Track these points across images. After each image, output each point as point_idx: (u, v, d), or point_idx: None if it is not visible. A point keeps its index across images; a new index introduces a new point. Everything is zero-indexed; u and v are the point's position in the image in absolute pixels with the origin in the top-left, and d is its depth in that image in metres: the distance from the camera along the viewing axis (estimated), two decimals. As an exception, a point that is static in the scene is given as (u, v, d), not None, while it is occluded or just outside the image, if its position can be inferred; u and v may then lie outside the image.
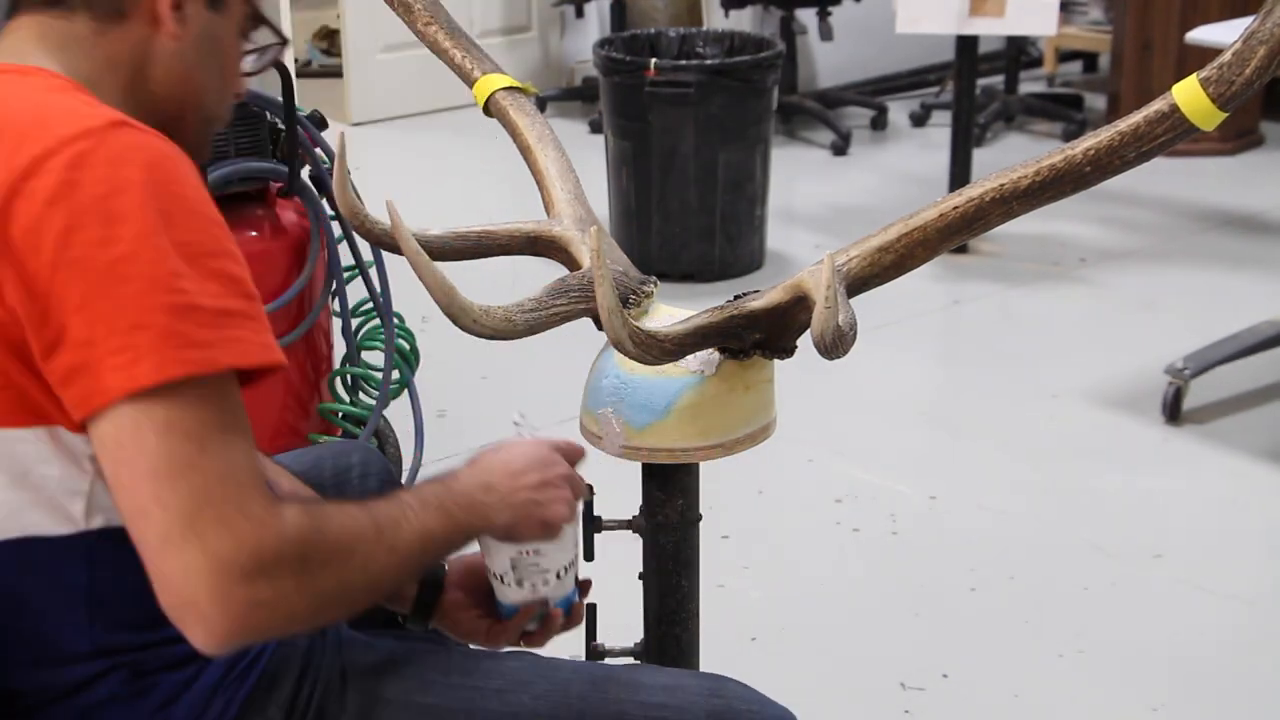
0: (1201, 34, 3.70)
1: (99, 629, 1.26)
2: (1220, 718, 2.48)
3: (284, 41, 1.43)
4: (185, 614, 1.13)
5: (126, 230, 1.14)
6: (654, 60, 4.23)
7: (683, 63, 4.33)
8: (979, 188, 1.44)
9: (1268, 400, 3.56)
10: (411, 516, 1.28)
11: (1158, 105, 1.39)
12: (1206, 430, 3.41)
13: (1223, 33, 3.56)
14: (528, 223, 1.67)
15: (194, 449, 1.13)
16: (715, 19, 5.90)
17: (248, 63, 1.42)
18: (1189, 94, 1.37)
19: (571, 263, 1.63)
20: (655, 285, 1.62)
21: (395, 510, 1.28)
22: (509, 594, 1.49)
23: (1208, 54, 1.63)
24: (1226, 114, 1.37)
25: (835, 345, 1.34)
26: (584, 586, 1.56)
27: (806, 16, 5.82)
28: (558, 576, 1.49)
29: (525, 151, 1.76)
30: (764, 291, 1.51)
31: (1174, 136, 1.38)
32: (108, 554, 1.24)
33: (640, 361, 1.43)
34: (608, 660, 1.69)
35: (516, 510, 1.40)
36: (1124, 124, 1.40)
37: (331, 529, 1.21)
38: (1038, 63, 6.52)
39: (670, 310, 1.59)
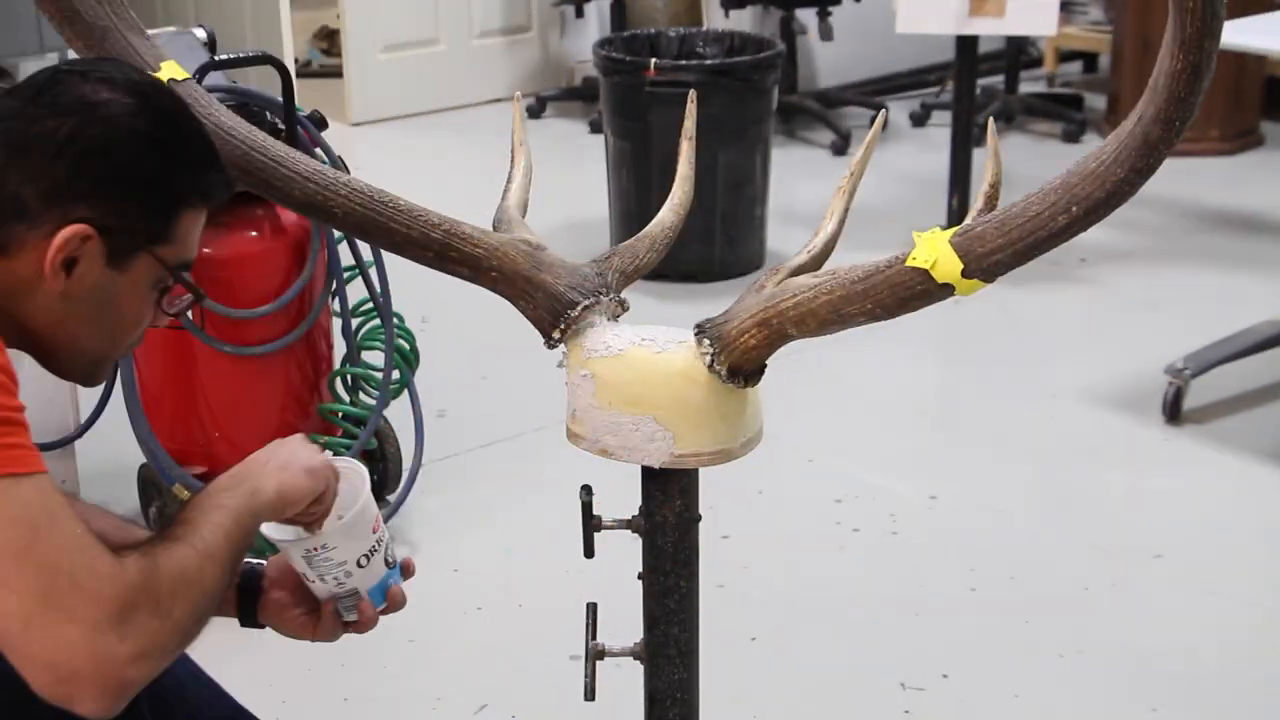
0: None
1: None
2: (1220, 718, 2.48)
3: (199, 298, 1.41)
4: (70, 688, 1.16)
5: None
6: (654, 60, 4.23)
7: (683, 63, 4.33)
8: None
9: (1268, 400, 3.56)
10: (203, 523, 1.32)
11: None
12: (1206, 430, 3.41)
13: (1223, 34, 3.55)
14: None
15: (26, 531, 1.17)
16: (715, 19, 5.90)
17: (161, 311, 1.40)
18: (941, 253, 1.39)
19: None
20: (624, 308, 1.61)
21: (189, 526, 1.32)
22: (317, 590, 1.52)
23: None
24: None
25: None
26: (406, 566, 1.57)
27: (806, 16, 5.82)
28: (359, 565, 1.50)
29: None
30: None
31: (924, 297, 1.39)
32: None
33: None
34: (608, 659, 1.69)
35: (278, 474, 1.40)
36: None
37: (164, 561, 1.26)
38: (1038, 63, 6.52)
39: (635, 332, 1.57)
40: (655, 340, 1.55)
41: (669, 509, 1.61)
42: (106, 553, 1.21)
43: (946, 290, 1.38)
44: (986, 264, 1.37)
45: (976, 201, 1.47)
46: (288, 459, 1.42)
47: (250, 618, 1.56)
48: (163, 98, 1.38)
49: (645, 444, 1.55)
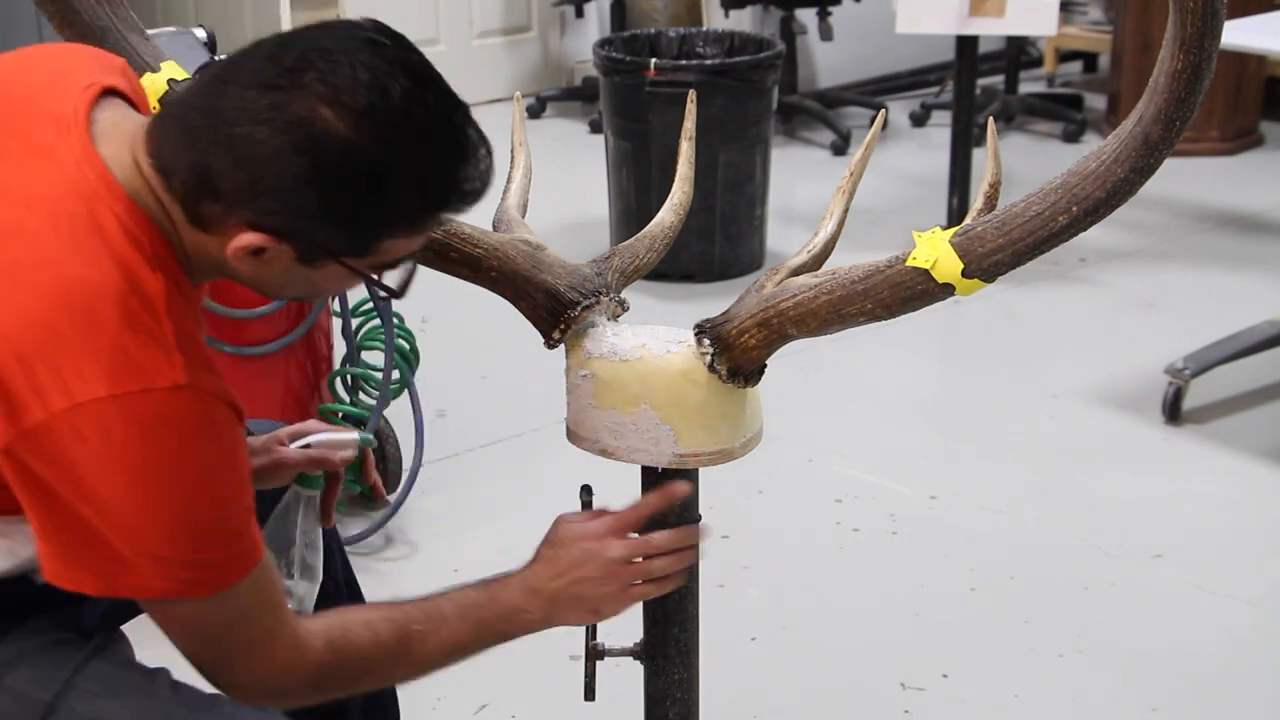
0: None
1: None
2: (1220, 718, 2.48)
3: (393, 295, 1.35)
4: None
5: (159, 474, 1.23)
6: (654, 60, 4.23)
7: (683, 63, 4.33)
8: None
9: (1268, 400, 3.56)
10: (444, 629, 1.42)
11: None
12: (1206, 430, 3.41)
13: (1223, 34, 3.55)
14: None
15: (218, 626, 1.33)
16: (715, 19, 5.90)
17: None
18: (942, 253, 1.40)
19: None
20: (624, 308, 1.61)
21: (428, 622, 1.42)
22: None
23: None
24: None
25: None
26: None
27: (806, 16, 5.82)
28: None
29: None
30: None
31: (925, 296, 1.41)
32: None
33: None
34: (608, 659, 1.69)
35: (560, 607, 1.51)
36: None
37: (351, 656, 1.38)
38: (1038, 63, 6.52)
39: (635, 332, 1.57)
40: (655, 340, 1.55)
41: (669, 509, 1.61)
42: (289, 638, 1.36)
43: (947, 290, 1.38)
44: (986, 264, 1.37)
45: (976, 201, 1.47)
46: (575, 600, 1.52)
47: None
48: (390, 114, 1.22)
49: (646, 444, 1.55)
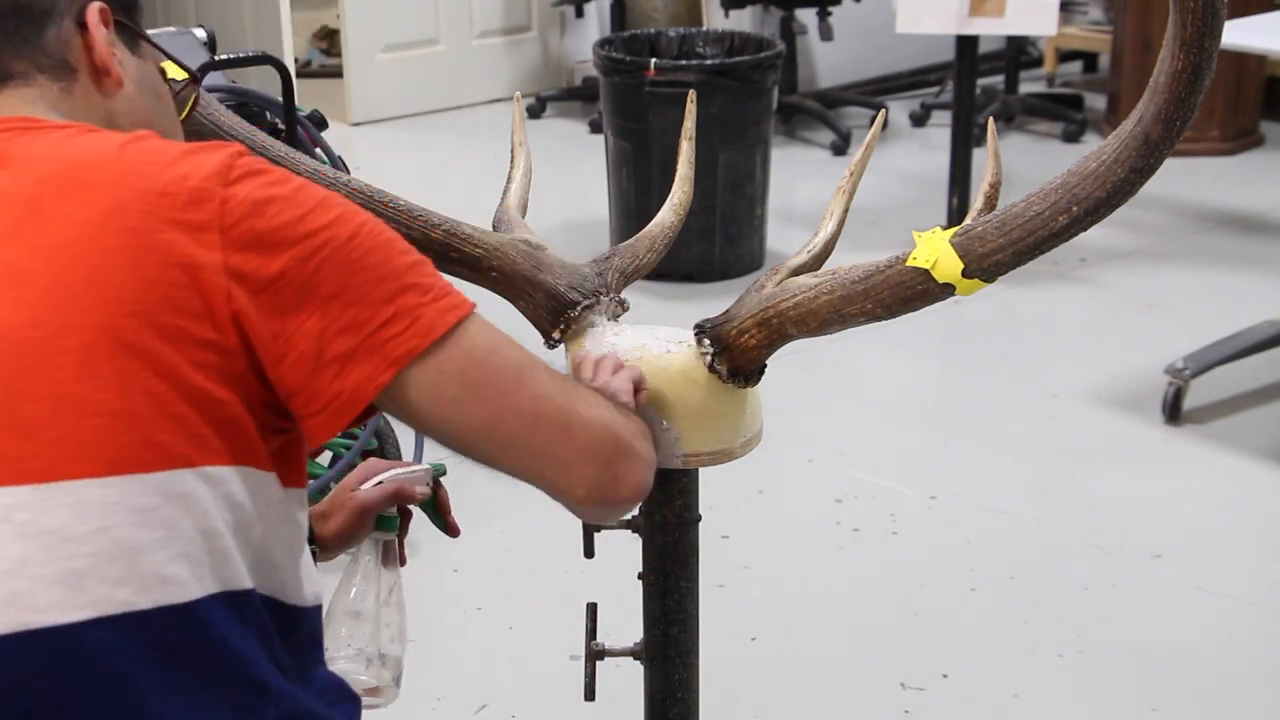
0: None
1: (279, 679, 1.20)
2: (1220, 718, 2.48)
3: (195, 79, 1.38)
4: (616, 470, 1.23)
5: (342, 209, 1.17)
6: (654, 60, 4.23)
7: (683, 63, 4.33)
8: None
9: (1268, 400, 3.56)
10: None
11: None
12: (1206, 430, 3.41)
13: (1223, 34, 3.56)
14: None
15: (518, 351, 1.20)
16: (715, 19, 5.90)
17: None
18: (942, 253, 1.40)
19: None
20: (624, 308, 1.61)
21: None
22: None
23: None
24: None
25: None
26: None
27: (806, 16, 5.82)
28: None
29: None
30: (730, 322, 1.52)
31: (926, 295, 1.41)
32: (272, 621, 1.20)
33: None
34: (608, 659, 1.69)
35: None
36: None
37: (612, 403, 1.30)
38: (1038, 63, 6.52)
39: (635, 331, 1.57)
40: (655, 340, 1.55)
41: (669, 509, 1.61)
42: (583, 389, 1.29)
43: (947, 290, 1.38)
44: (987, 264, 1.37)
45: (976, 201, 1.47)
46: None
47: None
48: None
49: None
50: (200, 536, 1.13)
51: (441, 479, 1.62)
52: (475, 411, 1.18)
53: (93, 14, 1.24)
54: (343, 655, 1.49)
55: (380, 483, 1.57)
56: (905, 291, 1.41)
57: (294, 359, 1.14)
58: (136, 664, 1.10)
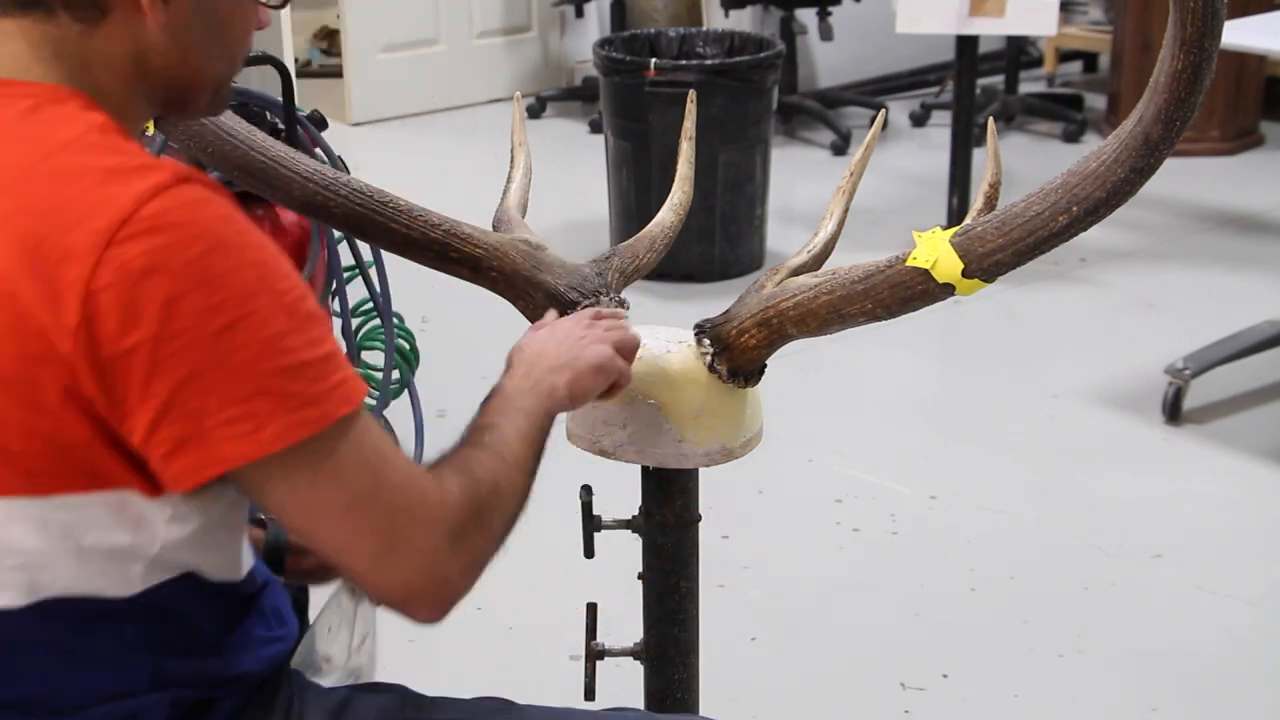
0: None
1: (161, 663, 1.27)
2: (1220, 718, 2.48)
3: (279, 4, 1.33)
4: (411, 606, 1.24)
5: (230, 294, 1.12)
6: (654, 60, 4.23)
7: (683, 63, 4.33)
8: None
9: (1268, 400, 3.56)
10: (507, 428, 1.35)
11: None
12: (1206, 430, 3.41)
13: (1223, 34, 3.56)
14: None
15: (368, 476, 1.19)
16: (715, 19, 5.90)
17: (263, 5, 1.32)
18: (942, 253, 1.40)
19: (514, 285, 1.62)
20: (625, 308, 1.61)
21: (494, 432, 1.35)
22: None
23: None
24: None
25: None
26: None
27: (806, 16, 5.82)
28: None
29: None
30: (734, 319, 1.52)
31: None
32: (165, 603, 1.26)
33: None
34: (607, 659, 1.69)
35: (568, 373, 1.42)
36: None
37: (481, 475, 1.29)
38: (1038, 63, 6.52)
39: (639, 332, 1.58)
40: (655, 340, 1.55)
41: (669, 509, 1.61)
42: (430, 479, 1.25)
43: (947, 290, 1.39)
44: (987, 264, 1.37)
45: (976, 201, 1.47)
46: (570, 356, 1.44)
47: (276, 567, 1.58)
48: None
49: (645, 444, 1.55)
50: (54, 553, 1.19)
51: None
52: (293, 521, 1.20)
53: None
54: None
55: None
56: (905, 291, 1.41)
57: (131, 425, 1.13)
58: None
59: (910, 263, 1.40)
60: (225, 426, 1.12)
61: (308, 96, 4.31)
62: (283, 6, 1.34)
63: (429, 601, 1.24)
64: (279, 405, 1.13)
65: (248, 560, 1.35)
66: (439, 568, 1.23)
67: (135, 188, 1.11)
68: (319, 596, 1.54)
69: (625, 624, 1.69)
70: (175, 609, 1.26)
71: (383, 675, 1.63)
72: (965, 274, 1.38)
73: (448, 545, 1.23)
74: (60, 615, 1.21)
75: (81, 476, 1.16)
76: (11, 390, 1.13)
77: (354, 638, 1.57)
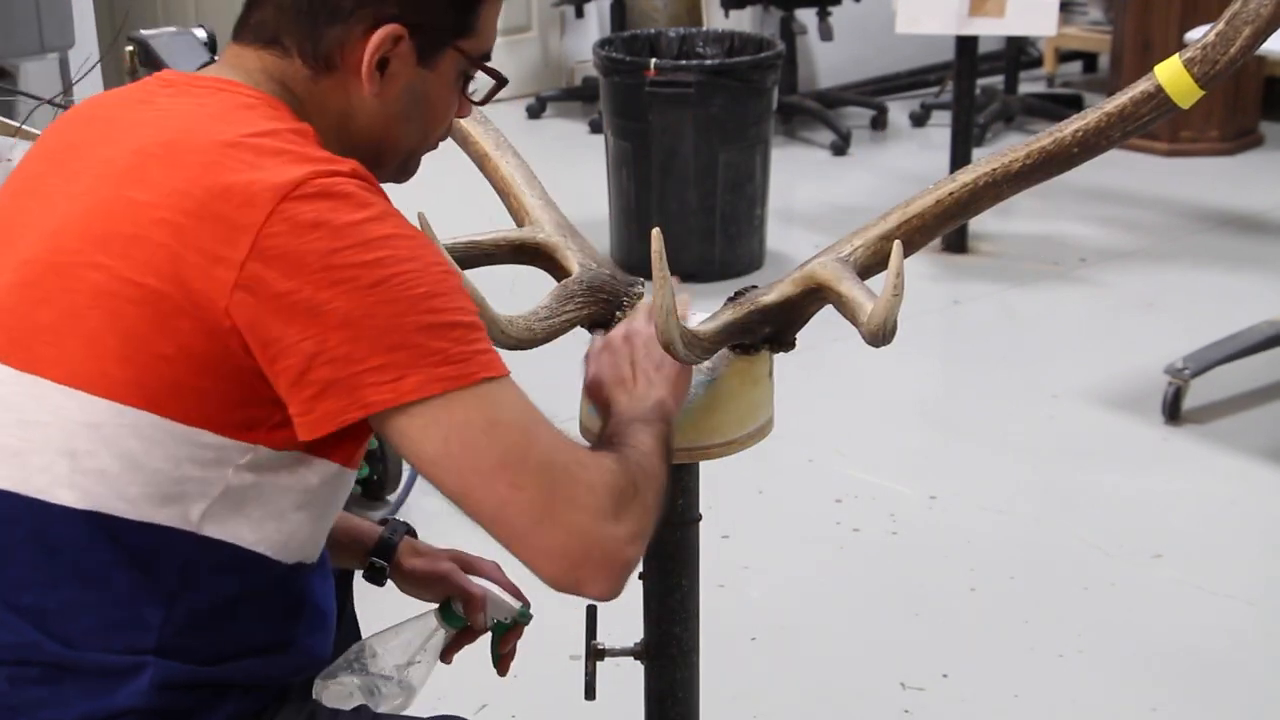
0: (1201, 34, 3.70)
1: (166, 632, 1.28)
2: (1220, 718, 2.48)
3: (503, 82, 1.43)
4: (582, 573, 1.22)
5: (385, 254, 1.21)
6: (654, 60, 4.23)
7: (683, 63, 4.32)
8: (972, 173, 1.50)
9: (1268, 400, 3.56)
10: (638, 434, 1.38)
11: (1143, 86, 1.45)
12: (1206, 430, 3.41)
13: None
14: (512, 231, 1.66)
15: (521, 435, 1.22)
16: (715, 19, 5.90)
17: (467, 100, 1.44)
18: (1172, 74, 1.42)
19: (557, 269, 1.64)
20: (642, 286, 1.62)
21: (625, 438, 1.38)
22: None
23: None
24: (1205, 92, 1.45)
25: (892, 333, 1.36)
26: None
27: (806, 16, 5.82)
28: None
29: (481, 160, 1.74)
30: (771, 286, 1.52)
31: (1157, 116, 1.47)
32: (202, 569, 1.28)
33: (687, 361, 1.48)
34: (608, 659, 1.69)
35: (666, 386, 1.48)
36: (1110, 105, 1.47)
37: (628, 454, 1.33)
38: (1038, 63, 6.52)
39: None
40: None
41: (669, 509, 1.61)
42: (584, 449, 1.28)
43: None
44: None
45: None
46: (652, 369, 1.48)
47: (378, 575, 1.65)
48: None
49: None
50: (130, 469, 1.23)
51: (524, 624, 1.69)
52: (446, 478, 1.22)
53: (381, 33, 1.31)
54: (342, 670, 1.53)
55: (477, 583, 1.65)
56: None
57: (280, 369, 1.20)
58: (16, 545, 1.26)
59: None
60: (371, 373, 1.19)
61: (308, 96, 4.30)
62: (486, 103, 1.46)
63: (598, 569, 1.23)
64: (421, 358, 1.19)
65: (306, 554, 1.36)
66: (605, 530, 1.23)
67: (318, 168, 1.23)
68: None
69: (625, 624, 1.69)
70: (204, 580, 1.28)
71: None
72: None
73: (611, 507, 1.24)
74: (103, 534, 1.24)
75: (226, 415, 1.23)
76: (167, 306, 1.20)
77: (415, 655, 1.58)
